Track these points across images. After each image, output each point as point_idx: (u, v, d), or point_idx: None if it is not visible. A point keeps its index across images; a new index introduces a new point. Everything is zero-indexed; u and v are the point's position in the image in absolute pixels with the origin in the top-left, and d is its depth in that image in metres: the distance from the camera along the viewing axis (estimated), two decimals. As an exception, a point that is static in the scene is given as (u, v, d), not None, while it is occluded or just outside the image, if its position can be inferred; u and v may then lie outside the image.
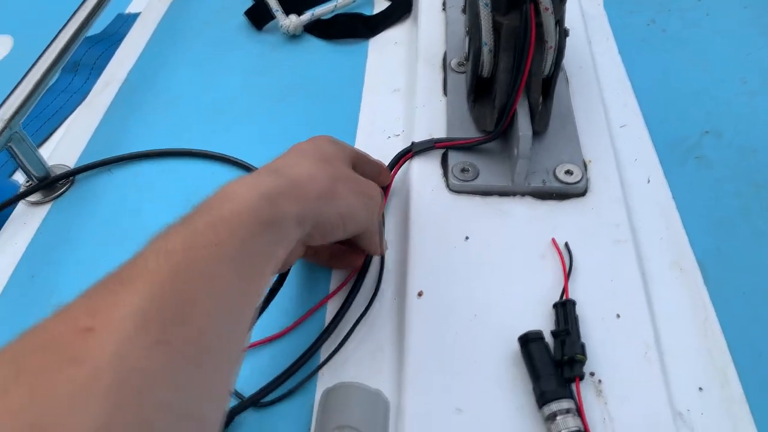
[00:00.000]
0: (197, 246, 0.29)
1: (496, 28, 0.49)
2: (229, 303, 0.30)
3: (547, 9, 0.45)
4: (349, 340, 0.43)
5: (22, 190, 0.57)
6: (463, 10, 0.60)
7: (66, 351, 0.23)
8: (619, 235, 0.47)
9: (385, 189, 0.51)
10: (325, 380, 0.42)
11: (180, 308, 0.27)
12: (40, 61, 0.56)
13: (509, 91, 0.49)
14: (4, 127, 0.51)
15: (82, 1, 0.63)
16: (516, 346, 0.41)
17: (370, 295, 0.46)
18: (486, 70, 0.52)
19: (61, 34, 0.59)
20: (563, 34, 0.50)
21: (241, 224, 0.31)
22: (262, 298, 0.33)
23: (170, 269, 0.27)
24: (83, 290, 0.27)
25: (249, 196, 0.33)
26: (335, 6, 0.74)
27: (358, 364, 0.43)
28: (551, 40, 0.48)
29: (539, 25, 0.47)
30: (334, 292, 0.46)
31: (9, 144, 0.52)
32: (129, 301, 0.25)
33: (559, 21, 0.49)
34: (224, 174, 0.58)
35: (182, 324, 0.27)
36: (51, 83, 0.57)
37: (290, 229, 0.35)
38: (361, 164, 0.47)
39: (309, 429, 0.40)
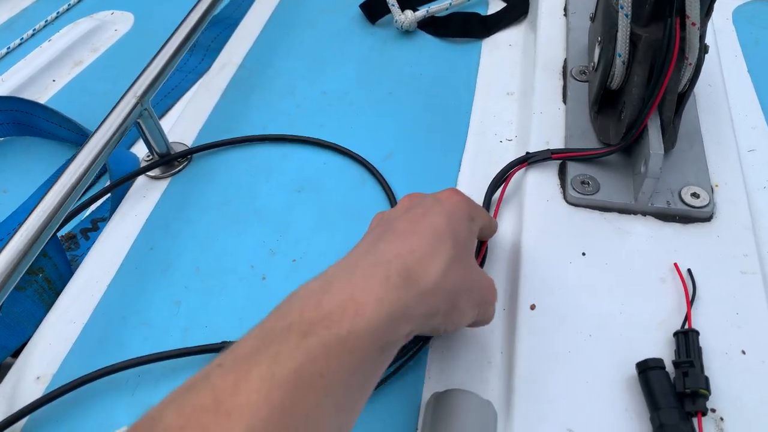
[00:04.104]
0: (305, 376, 0.27)
1: (633, 40, 0.47)
2: None
3: (694, 24, 0.43)
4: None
5: (142, 164, 0.60)
6: (592, 18, 0.59)
7: None
8: (747, 266, 0.45)
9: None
10: (432, 384, 0.42)
11: None
12: (171, 41, 0.58)
13: (641, 105, 0.47)
14: (137, 103, 0.53)
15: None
16: (632, 371, 0.40)
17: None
18: (616, 83, 0.50)
19: (191, 15, 0.61)
20: (703, 50, 0.47)
21: (354, 349, 0.29)
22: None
23: (270, 408, 0.26)
24: (176, 397, 0.26)
25: (373, 315, 0.30)
26: (450, 4, 0.73)
27: (465, 372, 0.42)
28: (692, 57, 0.46)
29: (682, 40, 0.45)
30: None
31: (138, 119, 0.54)
32: None
33: (701, 36, 0.46)
34: (336, 163, 0.58)
35: None
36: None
37: (397, 347, 0.33)
38: (485, 230, 0.44)
39: (415, 431, 0.40)
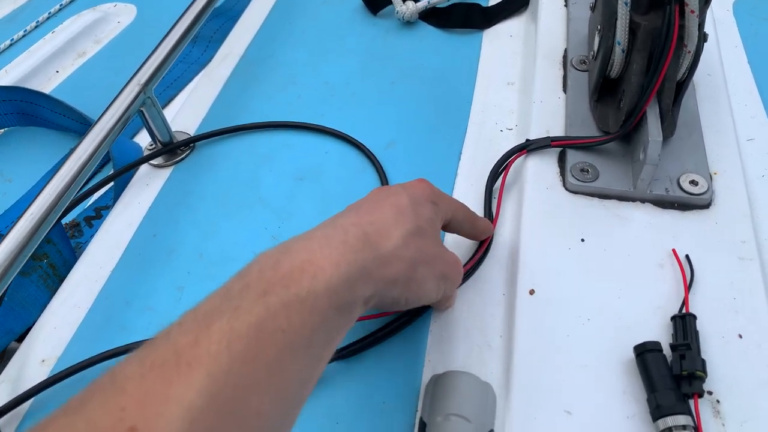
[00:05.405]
0: (266, 330, 0.28)
1: (633, 28, 0.47)
2: (286, 396, 0.29)
3: (693, 12, 0.44)
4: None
5: (146, 153, 0.60)
6: (592, 8, 0.59)
7: None
8: (745, 253, 0.45)
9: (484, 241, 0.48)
10: (431, 367, 0.42)
11: (235, 407, 0.26)
12: (174, 30, 0.59)
13: (640, 93, 0.48)
14: (140, 92, 0.54)
15: (213, -26, 0.65)
16: (630, 354, 0.40)
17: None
18: (615, 71, 0.50)
19: (193, 6, 0.61)
20: (702, 38, 0.48)
21: (314, 309, 0.30)
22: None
23: (231, 358, 0.26)
24: (136, 354, 0.26)
25: (330, 275, 0.30)
26: (451, -5, 0.74)
27: (465, 355, 0.43)
28: (691, 45, 0.46)
29: (681, 28, 0.45)
30: None
31: (141, 108, 0.55)
32: (182, 397, 0.24)
33: (700, 24, 0.47)
34: (338, 151, 0.59)
35: (235, 426, 0.26)
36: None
37: (356, 312, 0.33)
38: (459, 222, 0.44)
39: (415, 412, 0.40)
